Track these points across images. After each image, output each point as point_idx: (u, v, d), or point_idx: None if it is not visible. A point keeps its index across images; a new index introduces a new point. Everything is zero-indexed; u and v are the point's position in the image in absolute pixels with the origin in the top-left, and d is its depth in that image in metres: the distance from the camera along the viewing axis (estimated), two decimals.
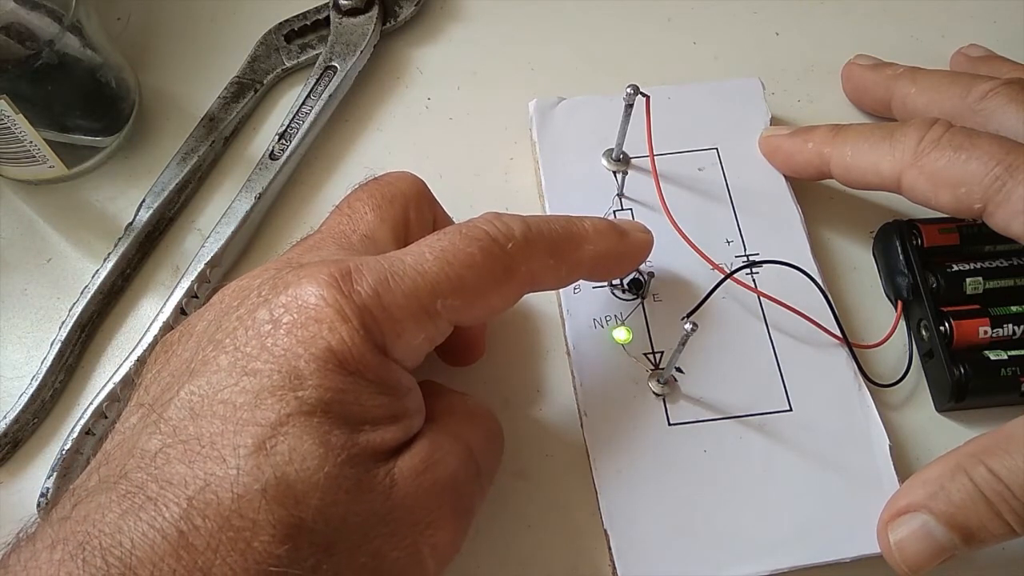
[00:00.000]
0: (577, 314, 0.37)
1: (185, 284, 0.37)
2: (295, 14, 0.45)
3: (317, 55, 0.44)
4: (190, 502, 0.23)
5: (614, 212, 0.39)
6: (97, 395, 0.35)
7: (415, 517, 0.26)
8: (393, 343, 0.27)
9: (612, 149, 0.40)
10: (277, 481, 0.24)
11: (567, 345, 0.37)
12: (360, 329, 0.26)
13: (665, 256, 0.38)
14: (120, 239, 0.39)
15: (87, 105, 0.40)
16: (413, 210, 0.32)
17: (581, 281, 0.37)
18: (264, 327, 0.26)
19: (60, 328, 0.37)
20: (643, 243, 0.35)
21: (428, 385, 0.31)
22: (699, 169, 0.40)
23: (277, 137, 0.41)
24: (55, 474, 0.34)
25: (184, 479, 0.24)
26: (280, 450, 0.24)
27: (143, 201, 0.40)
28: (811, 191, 0.40)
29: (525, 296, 0.37)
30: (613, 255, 0.33)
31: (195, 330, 0.28)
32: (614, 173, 0.40)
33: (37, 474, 0.36)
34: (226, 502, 0.23)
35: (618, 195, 0.39)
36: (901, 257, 0.38)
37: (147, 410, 0.26)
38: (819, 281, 0.37)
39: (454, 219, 0.35)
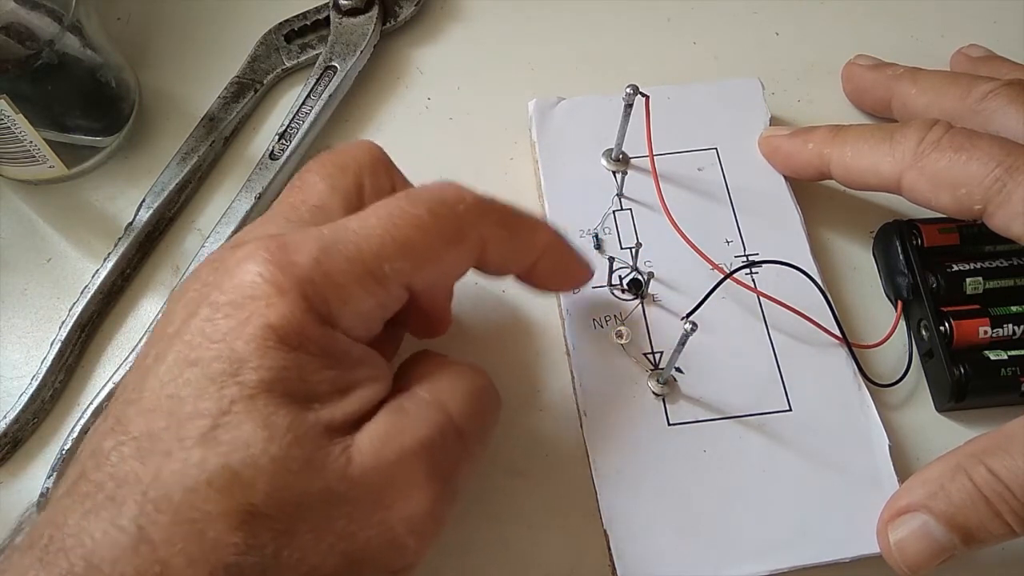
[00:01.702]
0: (576, 314, 0.37)
1: None
2: (295, 14, 0.45)
3: (317, 55, 0.44)
4: (145, 497, 0.23)
5: (614, 212, 0.39)
6: (97, 395, 0.36)
7: (380, 493, 0.25)
8: (339, 311, 0.26)
9: (612, 149, 0.40)
10: (223, 471, 0.24)
11: (567, 345, 0.37)
12: (300, 301, 0.25)
13: (664, 256, 0.38)
14: (120, 239, 0.39)
15: (87, 105, 0.40)
16: (368, 177, 0.31)
17: None
18: (204, 312, 0.26)
19: (60, 328, 0.37)
20: (585, 263, 0.34)
21: (416, 355, 0.30)
22: (699, 169, 0.40)
23: (277, 137, 0.41)
24: (55, 474, 0.34)
25: (138, 476, 0.24)
26: (224, 439, 0.24)
27: (143, 201, 0.40)
28: (811, 191, 0.40)
29: (523, 295, 0.37)
30: (562, 255, 0.33)
31: (155, 328, 0.28)
32: (613, 173, 0.40)
33: (37, 474, 0.36)
34: (177, 496, 0.23)
35: (617, 195, 0.39)
36: (901, 257, 0.38)
37: (107, 412, 0.26)
38: (819, 281, 0.37)
39: None
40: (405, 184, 0.33)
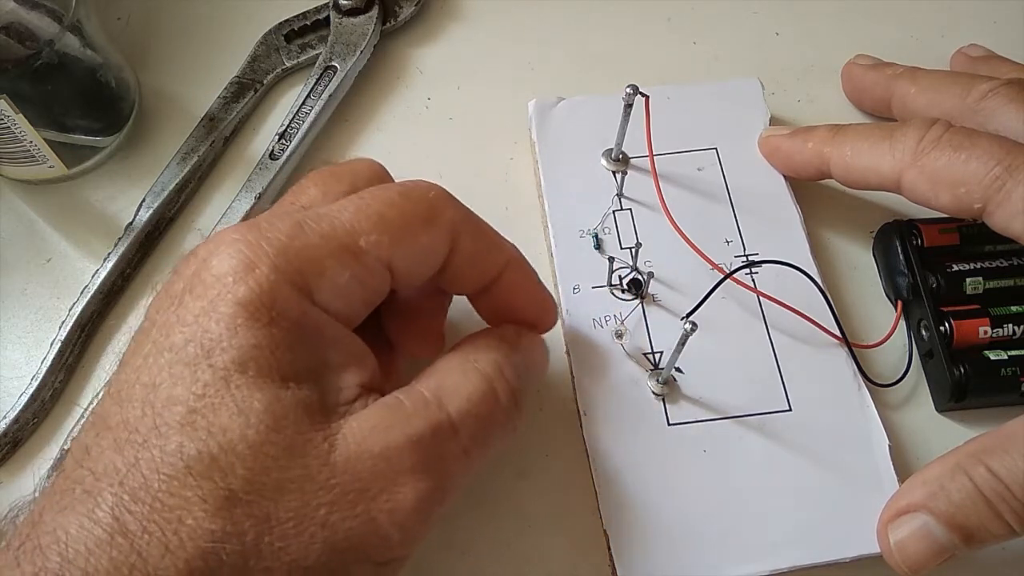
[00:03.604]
0: (576, 314, 0.37)
1: None
2: (295, 14, 0.45)
3: (317, 55, 0.44)
4: (122, 487, 0.23)
5: (613, 212, 0.39)
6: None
7: (365, 484, 0.25)
8: (315, 283, 0.26)
9: (611, 149, 0.40)
10: (200, 456, 0.23)
11: (566, 345, 0.37)
12: (271, 273, 0.25)
13: (664, 256, 0.38)
14: (120, 239, 0.39)
15: (87, 105, 0.40)
16: (363, 186, 0.31)
17: (580, 281, 0.37)
18: (178, 299, 0.26)
19: (60, 328, 0.37)
20: (552, 303, 0.33)
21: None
22: (698, 169, 0.40)
23: (277, 137, 0.41)
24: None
25: (115, 467, 0.24)
26: (200, 424, 0.24)
27: (143, 201, 0.40)
28: (811, 191, 0.40)
29: None
30: (525, 275, 0.32)
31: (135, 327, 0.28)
32: (613, 173, 0.40)
33: (37, 474, 0.35)
34: (154, 483, 0.23)
35: (617, 195, 0.39)
36: (901, 257, 0.38)
37: (88, 410, 0.26)
38: (818, 281, 0.37)
39: None
40: None
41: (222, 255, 0.26)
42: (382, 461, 0.25)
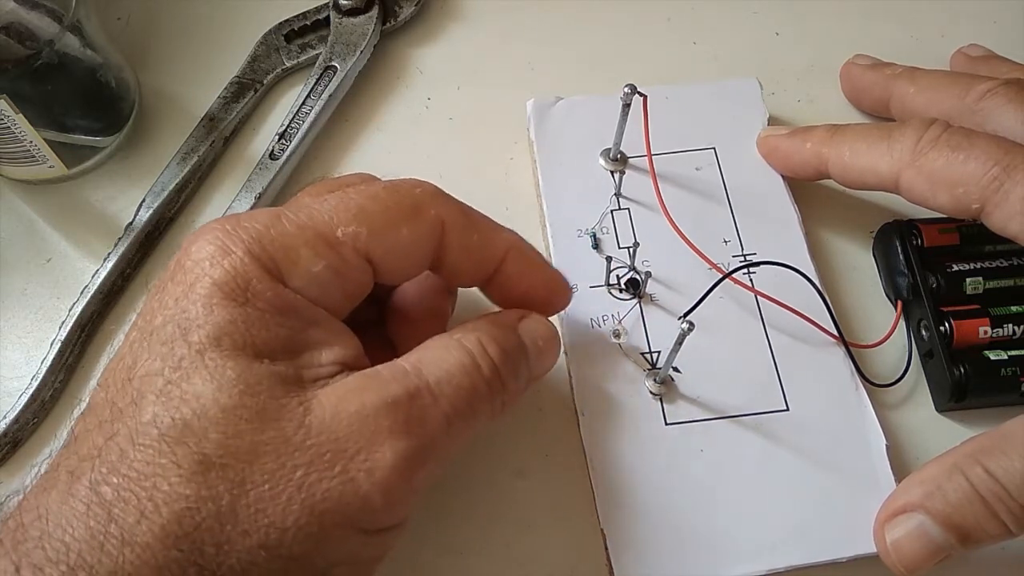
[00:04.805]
0: (574, 313, 0.37)
1: None
2: (295, 14, 0.45)
3: (317, 55, 0.44)
4: (101, 461, 0.24)
5: (612, 211, 0.39)
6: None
7: (341, 445, 0.25)
8: (289, 270, 0.27)
9: (610, 149, 0.40)
10: (174, 423, 0.24)
11: (564, 344, 0.37)
12: (245, 257, 0.26)
13: (662, 256, 0.38)
14: (120, 239, 0.39)
15: (87, 105, 0.41)
16: None
17: (578, 280, 0.37)
18: (161, 287, 0.27)
19: (60, 328, 0.37)
20: (564, 282, 0.33)
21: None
22: (697, 169, 0.40)
23: (277, 137, 0.41)
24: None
25: (96, 445, 0.24)
26: (174, 394, 0.24)
27: (143, 201, 0.40)
28: (812, 191, 0.40)
29: None
30: (528, 261, 0.32)
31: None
32: (612, 173, 0.40)
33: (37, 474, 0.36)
34: (130, 453, 0.24)
35: (616, 194, 0.39)
36: (901, 257, 0.38)
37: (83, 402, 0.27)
38: (815, 281, 0.37)
39: None
40: None
41: (201, 243, 0.26)
42: (357, 420, 0.25)
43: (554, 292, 0.33)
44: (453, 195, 0.30)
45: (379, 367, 0.27)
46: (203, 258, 0.26)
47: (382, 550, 0.27)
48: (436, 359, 0.28)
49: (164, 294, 0.26)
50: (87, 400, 0.27)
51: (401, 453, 0.25)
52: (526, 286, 0.32)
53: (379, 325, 0.33)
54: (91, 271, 0.39)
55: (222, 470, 0.24)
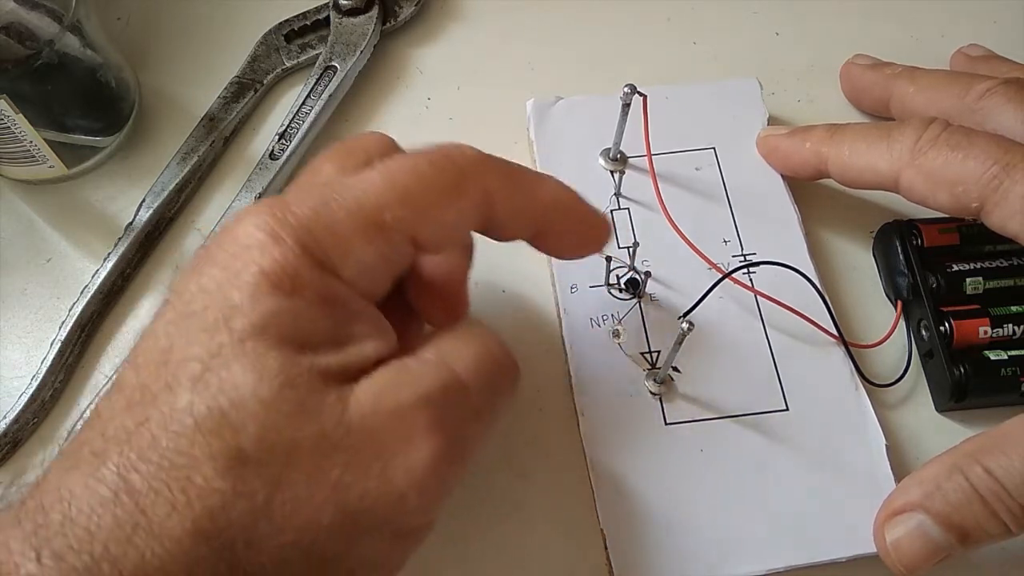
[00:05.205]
0: (574, 313, 0.37)
1: None
2: (295, 14, 0.45)
3: (317, 55, 0.44)
4: (129, 447, 0.23)
5: (611, 212, 0.39)
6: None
7: (379, 443, 0.24)
8: (341, 261, 0.26)
9: (610, 148, 0.40)
10: (211, 412, 0.23)
11: (564, 344, 0.37)
12: (295, 247, 0.25)
13: (662, 255, 0.38)
14: (120, 239, 0.39)
15: (87, 105, 0.41)
16: (376, 159, 0.30)
17: (578, 280, 0.37)
18: (201, 269, 0.25)
19: (60, 328, 0.37)
20: (601, 219, 0.33)
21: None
22: (696, 169, 0.40)
23: (277, 137, 0.41)
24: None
25: (125, 428, 0.23)
26: (212, 382, 0.23)
27: (143, 201, 0.40)
28: (812, 191, 0.40)
29: (521, 294, 0.37)
30: (572, 210, 0.31)
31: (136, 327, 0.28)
32: (611, 173, 0.40)
33: (37, 474, 0.36)
34: (163, 441, 0.23)
35: (615, 194, 0.39)
36: (901, 257, 0.38)
37: (109, 381, 0.26)
38: (815, 281, 0.37)
39: None
40: None
41: (248, 227, 0.25)
42: (395, 419, 0.25)
43: (596, 239, 0.33)
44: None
45: (407, 360, 0.26)
46: (251, 245, 0.25)
47: (409, 552, 0.27)
48: (457, 349, 0.27)
49: (205, 277, 0.25)
50: (115, 378, 0.25)
51: (436, 451, 0.25)
52: (568, 234, 0.32)
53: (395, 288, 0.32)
54: (91, 271, 0.39)
55: (258, 465, 0.23)
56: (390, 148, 0.31)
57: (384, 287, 0.28)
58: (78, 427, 0.25)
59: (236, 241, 0.25)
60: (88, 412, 0.25)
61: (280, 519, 0.23)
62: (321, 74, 0.43)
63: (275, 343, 0.24)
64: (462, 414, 0.26)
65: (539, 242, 0.32)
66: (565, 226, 0.31)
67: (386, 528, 0.25)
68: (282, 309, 0.24)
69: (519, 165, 0.30)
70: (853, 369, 0.36)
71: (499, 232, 0.30)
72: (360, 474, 0.24)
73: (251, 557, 0.23)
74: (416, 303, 0.31)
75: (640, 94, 0.36)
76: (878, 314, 0.38)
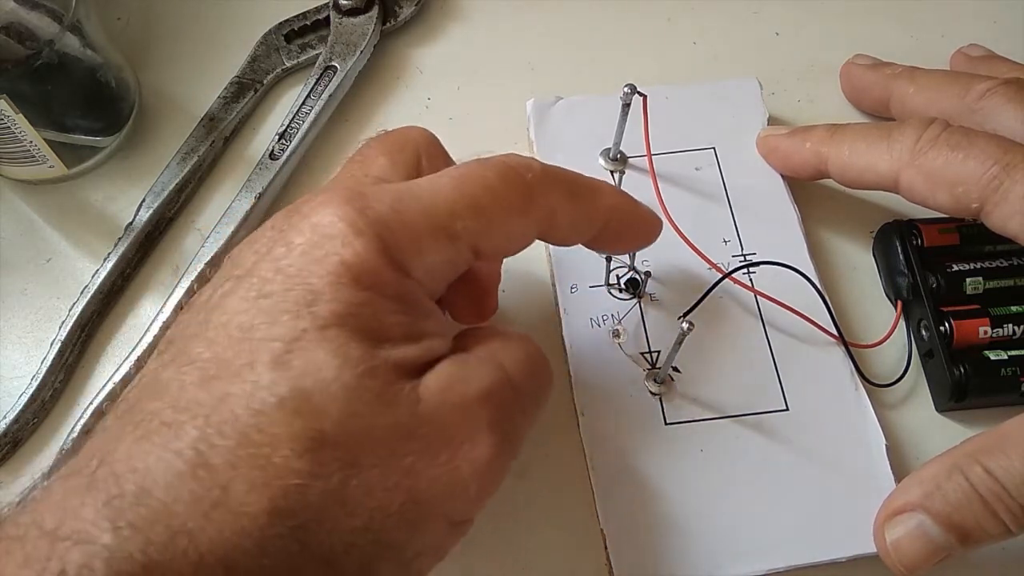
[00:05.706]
0: (574, 313, 0.37)
1: (185, 284, 0.38)
2: (295, 14, 0.45)
3: (317, 55, 0.44)
4: (207, 421, 0.23)
5: None
6: (97, 395, 0.36)
7: (448, 433, 0.25)
8: (413, 261, 0.26)
9: (610, 148, 0.40)
10: (294, 393, 0.23)
11: (564, 344, 0.37)
12: (375, 243, 0.25)
13: (662, 255, 0.38)
14: (120, 239, 0.39)
15: (87, 105, 0.41)
16: (425, 158, 0.31)
17: (578, 280, 0.37)
18: (278, 251, 0.26)
19: (60, 328, 0.37)
20: (654, 217, 0.34)
21: (466, 330, 0.30)
22: (696, 169, 0.40)
23: (277, 137, 0.41)
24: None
25: (200, 401, 0.23)
26: (296, 364, 0.24)
27: (143, 201, 0.40)
28: (812, 191, 0.40)
29: (522, 294, 0.37)
30: (628, 214, 0.32)
31: (214, 278, 0.27)
32: (612, 172, 0.40)
33: (37, 474, 0.35)
34: (243, 418, 0.23)
35: None
36: (901, 257, 0.38)
37: (163, 349, 0.26)
38: (815, 281, 0.37)
39: None
40: None
41: (329, 215, 0.26)
42: (461, 413, 0.25)
43: (651, 239, 0.34)
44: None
45: (464, 355, 0.27)
46: (333, 234, 0.25)
47: (455, 543, 0.27)
48: (503, 348, 0.28)
49: (280, 259, 0.25)
50: (174, 347, 0.25)
51: (496, 444, 0.26)
52: (625, 242, 0.34)
53: None
54: (91, 271, 0.39)
55: (336, 449, 0.23)
56: (434, 145, 0.32)
57: (442, 289, 0.28)
58: (137, 394, 0.25)
59: (316, 229, 0.26)
60: (146, 379, 0.25)
61: (352, 503, 0.23)
62: (321, 74, 0.43)
63: (354, 334, 0.24)
64: (513, 411, 0.27)
65: (593, 245, 0.33)
66: (621, 231, 0.33)
67: (445, 517, 0.26)
68: (363, 302, 0.25)
69: (581, 176, 0.31)
70: (853, 369, 0.36)
71: (556, 241, 0.31)
72: (430, 462, 0.25)
73: (321, 539, 0.23)
74: (450, 299, 0.32)
75: (640, 94, 0.36)
76: (878, 314, 0.38)
